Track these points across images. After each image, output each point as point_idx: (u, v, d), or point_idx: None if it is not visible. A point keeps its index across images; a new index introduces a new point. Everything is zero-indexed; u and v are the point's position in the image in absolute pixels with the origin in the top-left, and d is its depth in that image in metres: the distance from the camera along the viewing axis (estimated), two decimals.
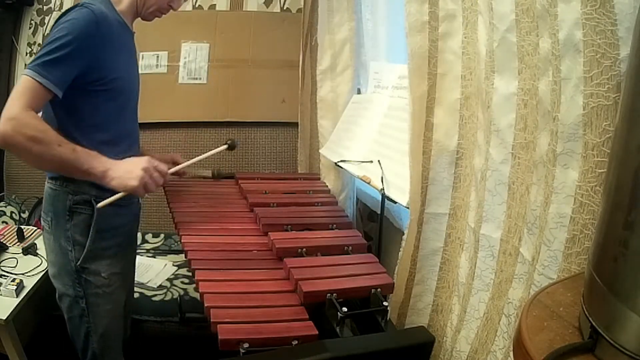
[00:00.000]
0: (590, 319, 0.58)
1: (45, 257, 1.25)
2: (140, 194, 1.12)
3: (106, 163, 1.08)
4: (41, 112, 1.12)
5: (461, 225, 1.16)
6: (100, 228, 1.17)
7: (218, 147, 1.42)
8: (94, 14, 1.06)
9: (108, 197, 1.14)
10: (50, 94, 1.03)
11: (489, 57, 0.95)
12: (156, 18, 1.29)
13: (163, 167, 1.14)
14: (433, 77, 1.12)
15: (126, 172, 1.08)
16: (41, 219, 1.22)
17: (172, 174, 1.24)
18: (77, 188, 1.14)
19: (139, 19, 1.27)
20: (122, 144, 1.21)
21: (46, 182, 1.19)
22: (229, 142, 1.44)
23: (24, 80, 1.01)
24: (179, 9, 1.33)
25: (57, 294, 1.23)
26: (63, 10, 1.08)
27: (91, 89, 1.10)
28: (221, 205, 1.51)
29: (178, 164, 1.47)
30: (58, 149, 1.02)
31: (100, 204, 1.12)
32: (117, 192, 1.10)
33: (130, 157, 1.20)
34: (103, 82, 1.11)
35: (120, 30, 1.17)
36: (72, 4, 2.32)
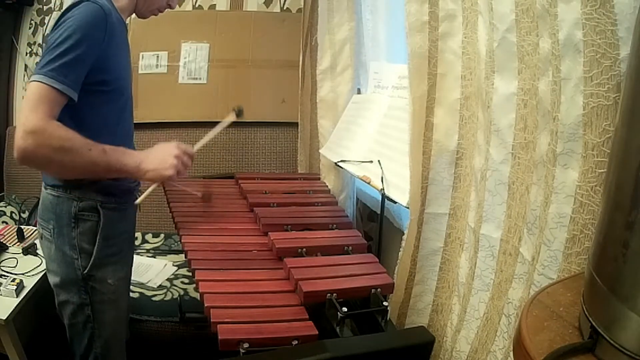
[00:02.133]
0: (590, 319, 0.58)
1: (46, 265, 1.20)
2: (173, 180, 1.11)
3: (137, 157, 1.06)
4: None
5: (461, 225, 1.16)
6: (107, 235, 1.14)
7: (226, 118, 1.34)
8: (102, 10, 1.00)
9: (114, 203, 1.14)
10: (66, 98, 0.98)
11: (489, 57, 0.95)
12: (153, 16, 1.26)
13: (190, 148, 1.14)
14: (433, 77, 1.12)
15: (160, 162, 1.07)
16: (39, 227, 1.17)
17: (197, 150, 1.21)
18: (82, 194, 1.10)
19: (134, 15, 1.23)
20: (122, 145, 1.17)
21: (44, 190, 1.14)
22: (235, 109, 1.35)
23: (37, 88, 0.94)
24: (177, 8, 1.30)
25: (57, 301, 1.19)
26: (66, 6, 1.01)
27: (94, 89, 1.06)
28: (221, 205, 1.51)
29: None
30: (89, 154, 0.99)
31: (138, 200, 1.13)
32: (119, 195, 1.11)
33: None
34: (106, 82, 1.07)
35: (120, 28, 1.12)
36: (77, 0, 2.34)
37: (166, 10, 1.26)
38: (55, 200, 1.11)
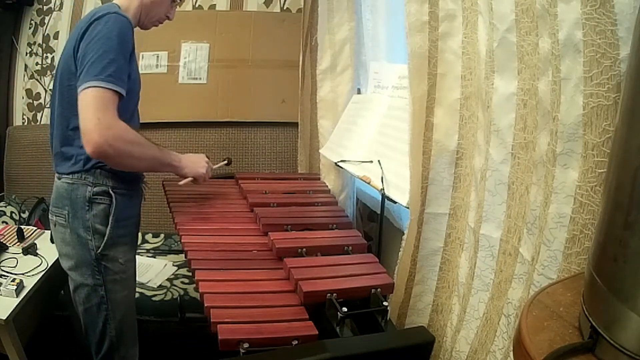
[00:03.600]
0: (590, 319, 0.58)
1: (59, 251, 1.28)
2: (202, 180, 1.36)
3: (177, 155, 1.31)
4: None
5: (461, 225, 1.16)
6: (118, 217, 1.23)
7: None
8: (129, 22, 1.15)
9: (123, 188, 1.24)
10: (121, 98, 1.10)
11: (489, 57, 0.95)
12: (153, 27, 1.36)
13: (211, 163, 1.41)
14: (433, 77, 1.12)
15: (194, 162, 1.35)
16: (52, 215, 1.25)
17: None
18: (95, 180, 1.20)
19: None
20: None
21: (57, 180, 1.24)
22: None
23: (99, 92, 1.05)
24: (180, 8, 1.37)
25: (72, 287, 1.26)
26: (95, 15, 1.12)
27: None
28: (221, 205, 1.51)
29: None
30: (153, 148, 1.21)
31: (181, 182, 1.35)
32: (128, 182, 1.25)
33: None
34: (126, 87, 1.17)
35: (133, 36, 1.23)
36: (72, 5, 2.35)
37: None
38: (71, 187, 1.21)
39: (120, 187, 1.23)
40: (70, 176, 1.21)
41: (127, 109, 1.19)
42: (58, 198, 1.24)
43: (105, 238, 1.21)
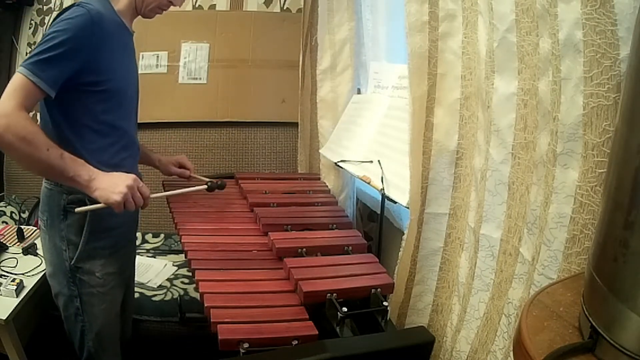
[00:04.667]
0: (590, 319, 0.58)
1: (43, 256, 1.27)
2: (118, 210, 1.08)
3: (92, 172, 1.07)
4: (38, 113, 1.14)
5: (461, 225, 1.16)
6: (94, 229, 1.17)
7: (198, 187, 1.37)
8: (89, 14, 1.05)
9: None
10: (43, 93, 1.02)
11: (489, 57, 0.95)
12: (157, 16, 1.27)
13: (146, 190, 1.13)
14: (433, 77, 1.12)
15: (111, 185, 1.07)
16: (39, 217, 1.23)
17: (154, 198, 1.20)
18: (71, 188, 1.12)
19: (140, 17, 1.26)
20: (117, 145, 1.20)
21: (43, 182, 1.20)
22: (209, 184, 1.39)
23: (17, 78, 1.00)
24: (180, 7, 1.30)
25: (53, 292, 1.24)
26: (61, 9, 1.07)
27: (84, 89, 1.09)
28: (221, 205, 1.51)
29: (183, 166, 1.52)
30: (46, 153, 1.02)
31: (78, 209, 1.11)
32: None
33: (126, 157, 1.23)
34: (97, 83, 1.10)
35: (117, 31, 1.15)
36: (72, 3, 2.35)
37: (170, 8, 1.27)
38: (49, 192, 1.17)
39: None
40: (48, 182, 1.17)
41: (104, 109, 1.13)
42: (42, 202, 1.20)
43: (79, 250, 1.16)
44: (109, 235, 1.22)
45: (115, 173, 1.10)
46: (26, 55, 2.40)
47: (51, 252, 1.19)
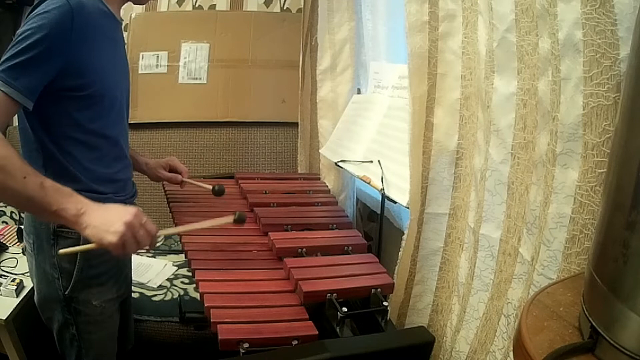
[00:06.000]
0: (590, 319, 0.58)
1: (31, 280, 1.13)
2: (116, 253, 0.88)
3: (81, 204, 0.86)
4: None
5: (461, 225, 1.16)
6: (89, 255, 1.02)
7: (223, 218, 1.18)
8: (68, 5, 0.87)
9: None
10: (18, 105, 0.85)
11: (489, 57, 0.95)
12: (156, 13, 1.24)
13: (152, 226, 0.92)
14: (433, 77, 1.12)
15: (105, 221, 0.86)
16: (23, 238, 1.09)
17: (165, 235, 1.05)
18: None
19: (129, 4, 1.12)
20: (108, 157, 1.06)
21: None
22: (236, 216, 1.17)
23: None
24: (177, 8, 1.27)
25: (43, 317, 1.11)
26: (35, 2, 0.88)
27: (66, 95, 0.94)
28: (221, 205, 1.50)
29: (175, 169, 1.37)
30: (22, 182, 0.82)
31: (62, 251, 0.94)
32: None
33: (120, 170, 1.09)
34: (80, 87, 0.94)
35: (103, 22, 0.99)
36: None
37: (169, 7, 1.22)
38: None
39: None
40: None
41: (90, 117, 0.99)
42: (26, 223, 1.05)
43: (73, 280, 1.03)
44: (105, 261, 1.07)
45: (110, 206, 0.90)
46: None
47: (40, 279, 1.06)
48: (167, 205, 1.50)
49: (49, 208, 0.84)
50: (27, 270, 1.56)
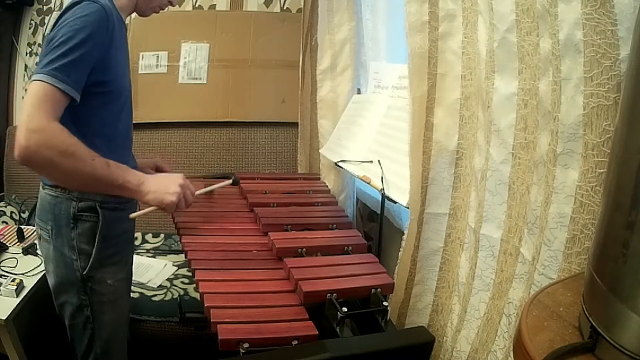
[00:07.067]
0: (590, 319, 0.58)
1: (44, 266, 1.19)
2: (170, 211, 1.08)
3: (139, 176, 1.05)
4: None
5: (461, 225, 1.16)
6: (106, 235, 1.12)
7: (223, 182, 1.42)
8: (104, 10, 0.99)
9: (114, 203, 1.12)
10: (69, 99, 0.96)
11: (489, 57, 0.95)
12: (154, 15, 1.24)
13: (192, 187, 1.12)
14: (433, 77, 1.12)
15: (162, 186, 1.06)
16: (37, 227, 1.16)
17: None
18: (81, 194, 1.08)
19: (134, 14, 1.21)
20: (120, 148, 1.16)
21: (42, 190, 1.13)
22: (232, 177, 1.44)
23: (38, 87, 0.92)
24: (177, 8, 1.29)
25: (56, 303, 1.18)
26: (66, 4, 0.99)
27: (93, 90, 1.03)
28: (221, 205, 1.51)
29: (162, 170, 1.41)
30: (92, 164, 0.97)
31: (133, 215, 1.12)
32: (119, 195, 1.07)
33: (127, 161, 1.16)
34: (104, 83, 1.05)
35: (120, 26, 1.10)
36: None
37: (167, 8, 1.25)
38: (54, 200, 1.10)
39: (110, 202, 1.11)
40: (54, 189, 1.09)
41: (111, 110, 1.09)
42: (42, 210, 1.12)
43: (92, 259, 1.10)
44: (118, 242, 1.18)
45: (160, 174, 1.14)
46: (26, 55, 2.41)
47: (57, 262, 1.13)
48: None
49: (115, 183, 1.01)
50: (27, 270, 1.57)
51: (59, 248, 1.11)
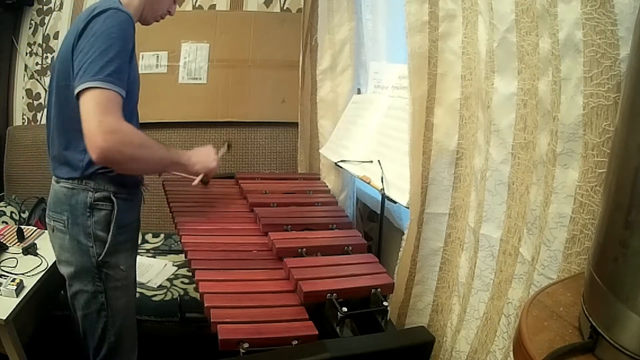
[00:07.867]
0: (590, 319, 0.58)
1: (57, 257, 1.24)
2: (211, 176, 1.36)
3: (185, 152, 1.29)
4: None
5: (461, 225, 1.16)
6: (120, 223, 1.20)
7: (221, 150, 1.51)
8: (130, 19, 1.10)
9: (125, 194, 1.21)
10: (122, 99, 1.06)
11: (489, 57, 0.95)
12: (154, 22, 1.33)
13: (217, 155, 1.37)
14: (433, 77, 1.12)
15: (204, 158, 1.32)
16: (50, 220, 1.22)
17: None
18: (97, 185, 1.17)
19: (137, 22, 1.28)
20: None
21: (56, 184, 1.20)
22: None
23: (98, 93, 1.01)
24: (180, 8, 1.35)
25: (70, 292, 1.23)
26: (90, 13, 1.07)
27: None
28: (221, 205, 1.51)
29: None
30: (160, 149, 1.17)
31: (194, 183, 1.31)
32: (129, 187, 1.22)
33: None
34: (128, 82, 1.12)
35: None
36: (72, 5, 2.35)
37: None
38: (70, 192, 1.17)
39: (122, 192, 1.20)
40: (70, 181, 1.17)
41: (125, 109, 1.13)
42: (56, 203, 1.20)
43: (107, 245, 1.18)
44: (130, 229, 1.27)
45: (197, 149, 1.34)
46: (26, 55, 2.41)
47: (73, 251, 1.19)
48: (167, 205, 1.50)
49: (173, 161, 1.24)
50: (27, 270, 1.57)
51: (75, 236, 1.18)
